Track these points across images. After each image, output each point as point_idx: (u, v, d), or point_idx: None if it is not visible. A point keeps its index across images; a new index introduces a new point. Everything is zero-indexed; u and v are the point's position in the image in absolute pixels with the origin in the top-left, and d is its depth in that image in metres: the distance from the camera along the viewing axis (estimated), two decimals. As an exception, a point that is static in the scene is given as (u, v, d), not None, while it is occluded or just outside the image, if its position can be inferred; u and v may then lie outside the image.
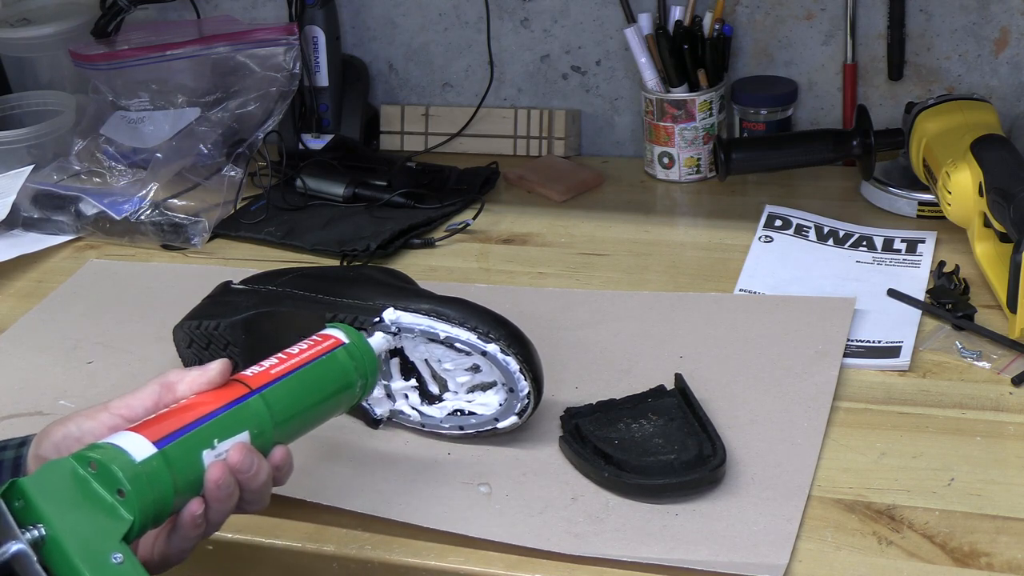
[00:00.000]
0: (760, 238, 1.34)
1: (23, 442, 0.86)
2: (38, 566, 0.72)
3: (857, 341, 1.15)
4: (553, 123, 1.60)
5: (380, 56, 1.68)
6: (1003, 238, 1.21)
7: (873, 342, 1.15)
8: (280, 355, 0.88)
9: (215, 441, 0.80)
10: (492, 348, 1.00)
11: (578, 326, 1.21)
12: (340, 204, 1.49)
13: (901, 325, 1.17)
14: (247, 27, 1.59)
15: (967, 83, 1.47)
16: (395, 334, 1.03)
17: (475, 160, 1.57)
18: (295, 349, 0.89)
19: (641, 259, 1.35)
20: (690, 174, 1.51)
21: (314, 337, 0.91)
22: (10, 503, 0.73)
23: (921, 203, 1.36)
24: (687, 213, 1.49)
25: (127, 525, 0.75)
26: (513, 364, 1.00)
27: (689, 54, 1.48)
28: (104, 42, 1.60)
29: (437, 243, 1.41)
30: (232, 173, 1.51)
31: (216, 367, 0.84)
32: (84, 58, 1.59)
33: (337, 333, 0.91)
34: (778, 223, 1.36)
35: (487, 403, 1.03)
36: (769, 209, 1.38)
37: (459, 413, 1.04)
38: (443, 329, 1.02)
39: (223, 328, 1.11)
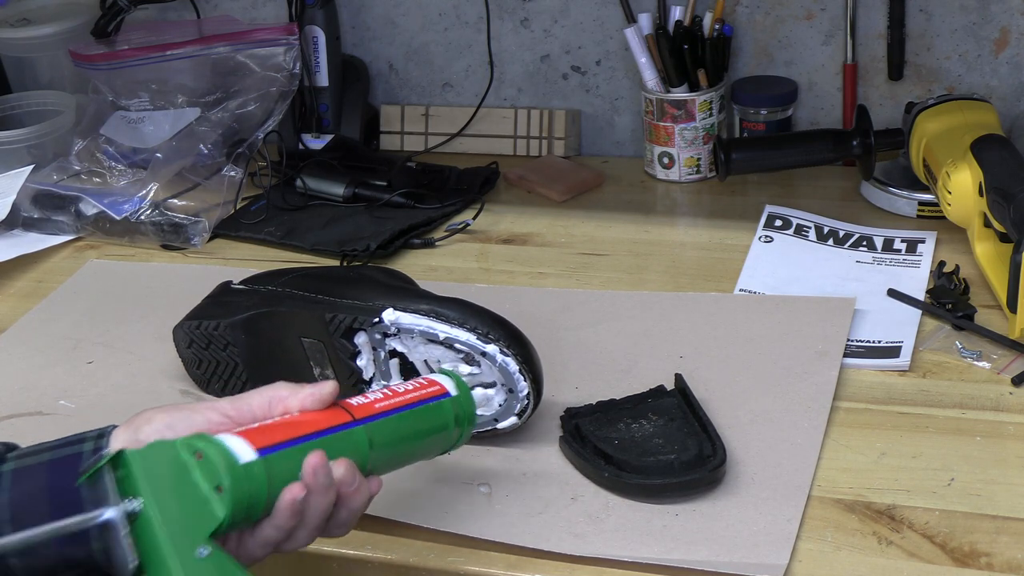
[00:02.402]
0: (760, 238, 1.34)
1: (101, 434, 0.81)
2: (125, 538, 0.73)
3: (857, 341, 1.15)
4: (553, 123, 1.60)
5: (380, 56, 1.68)
6: (1003, 238, 1.21)
7: (873, 342, 1.15)
8: (386, 390, 0.88)
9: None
10: (491, 349, 1.00)
11: (578, 326, 1.21)
12: (340, 204, 1.49)
13: (901, 325, 1.17)
14: (247, 27, 1.59)
15: (967, 83, 1.47)
16: (395, 334, 1.04)
17: (475, 160, 1.57)
18: (400, 387, 0.89)
19: (641, 259, 1.35)
20: (690, 174, 1.51)
21: (422, 379, 0.92)
22: (114, 471, 0.74)
23: (921, 203, 1.36)
24: (687, 213, 1.49)
25: (217, 522, 0.74)
26: (512, 365, 1.00)
27: (689, 54, 1.48)
28: (104, 42, 1.60)
29: (437, 243, 1.41)
30: (232, 173, 1.51)
31: (329, 388, 0.84)
32: (84, 58, 1.59)
33: (446, 382, 0.92)
34: (778, 223, 1.36)
35: (488, 401, 1.03)
36: (769, 209, 1.38)
37: None
38: (442, 330, 1.02)
39: (223, 328, 1.11)
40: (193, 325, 1.13)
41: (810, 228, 1.35)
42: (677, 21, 1.49)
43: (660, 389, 1.07)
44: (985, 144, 1.25)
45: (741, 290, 1.25)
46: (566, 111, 1.60)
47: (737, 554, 0.90)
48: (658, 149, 1.51)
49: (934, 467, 0.98)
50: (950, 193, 1.25)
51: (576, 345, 1.17)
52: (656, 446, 1.00)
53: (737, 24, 1.52)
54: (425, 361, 1.04)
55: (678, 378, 1.08)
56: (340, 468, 0.81)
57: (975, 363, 1.11)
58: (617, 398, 1.06)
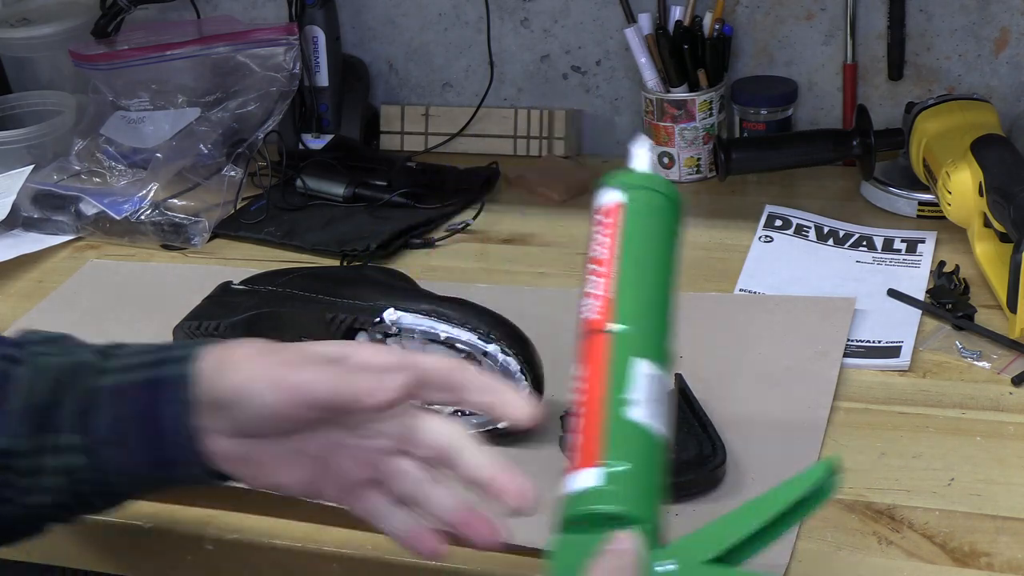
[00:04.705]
0: (760, 238, 1.34)
1: (183, 357, 0.76)
2: None
3: (857, 341, 1.15)
4: (553, 123, 1.60)
5: (380, 56, 1.68)
6: (1003, 238, 1.21)
7: (873, 342, 1.15)
8: (590, 272, 0.72)
9: (626, 399, 0.69)
10: (492, 348, 1.00)
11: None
12: (340, 204, 1.49)
13: (901, 325, 1.17)
14: (247, 27, 1.59)
15: (967, 83, 1.47)
16: (396, 335, 1.03)
17: (475, 160, 1.57)
18: (592, 259, 0.74)
19: (641, 259, 1.35)
20: (690, 174, 1.51)
21: (598, 211, 0.75)
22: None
23: (921, 203, 1.36)
24: (687, 213, 1.49)
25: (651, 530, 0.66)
26: (513, 364, 1.00)
27: (689, 54, 1.48)
28: (104, 42, 1.60)
29: (437, 243, 1.41)
30: (232, 173, 1.51)
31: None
32: (84, 58, 1.59)
33: (612, 197, 0.76)
34: (778, 223, 1.36)
35: None
36: (769, 209, 1.38)
37: (459, 413, 1.04)
38: (443, 330, 1.01)
39: (223, 329, 1.11)
40: (193, 325, 1.13)
41: (810, 228, 1.35)
42: (677, 21, 1.49)
43: (660, 389, 1.07)
44: (985, 144, 1.25)
45: (741, 290, 1.25)
46: (566, 111, 1.60)
47: (737, 554, 0.90)
48: (658, 149, 1.51)
49: (934, 467, 0.98)
50: (950, 193, 1.25)
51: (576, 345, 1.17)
52: (656, 446, 1.00)
53: (737, 24, 1.52)
54: None
55: (678, 378, 1.08)
56: None
57: (975, 363, 1.11)
58: (617, 398, 1.06)
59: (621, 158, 1.64)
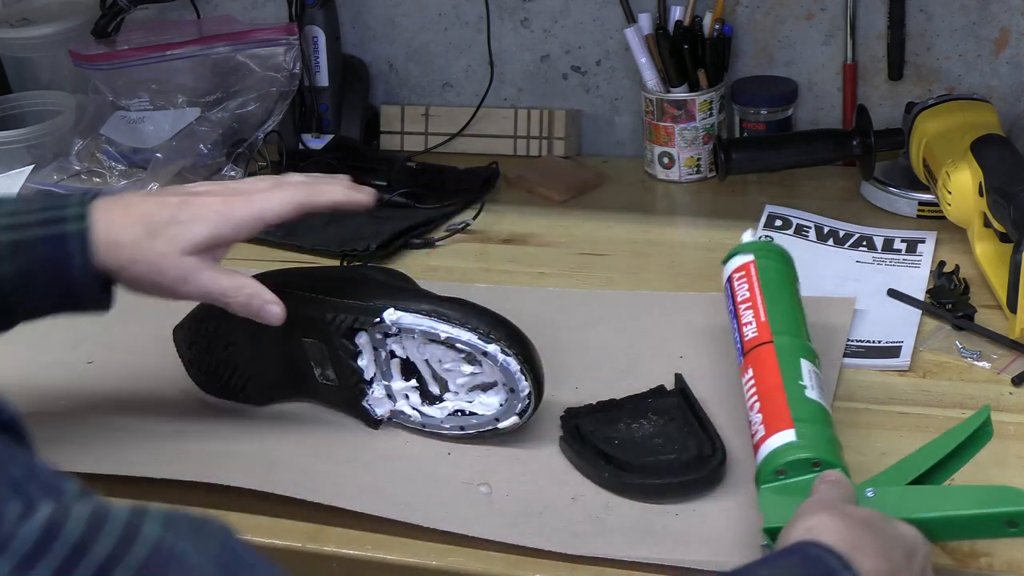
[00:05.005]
0: (760, 238, 1.34)
1: (81, 215, 0.93)
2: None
3: (857, 341, 1.15)
4: (553, 123, 1.60)
5: (380, 56, 1.68)
6: (1003, 238, 1.21)
7: (873, 342, 1.15)
8: (738, 315, 1.00)
9: (802, 385, 0.92)
10: (492, 348, 1.00)
11: (578, 326, 1.20)
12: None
13: (901, 325, 1.17)
14: (247, 27, 1.59)
15: (967, 83, 1.47)
16: (396, 335, 1.04)
17: (475, 160, 1.57)
18: (733, 312, 1.01)
19: (641, 259, 1.35)
20: (690, 174, 1.51)
21: (733, 284, 1.02)
22: None
23: (921, 203, 1.36)
24: (687, 213, 1.49)
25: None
26: (514, 364, 1.00)
27: (689, 54, 1.48)
28: (104, 42, 1.60)
29: (437, 243, 1.41)
30: (232, 173, 1.51)
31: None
32: (84, 58, 1.59)
33: (743, 258, 1.03)
34: (778, 223, 1.36)
35: (488, 403, 1.03)
36: (769, 209, 1.38)
37: (460, 413, 1.04)
38: (444, 330, 1.02)
39: (223, 329, 1.11)
40: (194, 326, 1.13)
41: (810, 228, 1.35)
42: (677, 21, 1.49)
43: (660, 389, 1.07)
44: (985, 144, 1.25)
45: (741, 290, 1.25)
46: (566, 111, 1.61)
47: (737, 554, 0.90)
48: (658, 149, 1.51)
49: (934, 467, 0.98)
50: (950, 193, 1.25)
51: (576, 345, 1.17)
52: (656, 446, 1.00)
53: (737, 24, 1.52)
54: (426, 361, 1.04)
55: (678, 378, 1.08)
56: None
57: (975, 363, 1.11)
58: (617, 398, 1.06)
59: (621, 158, 1.65)
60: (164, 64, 1.57)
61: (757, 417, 0.91)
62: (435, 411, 1.05)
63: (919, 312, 1.19)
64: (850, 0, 1.46)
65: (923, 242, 1.31)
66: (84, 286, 0.94)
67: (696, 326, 1.19)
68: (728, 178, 1.45)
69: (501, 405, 1.02)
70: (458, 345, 1.02)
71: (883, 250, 1.31)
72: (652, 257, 1.35)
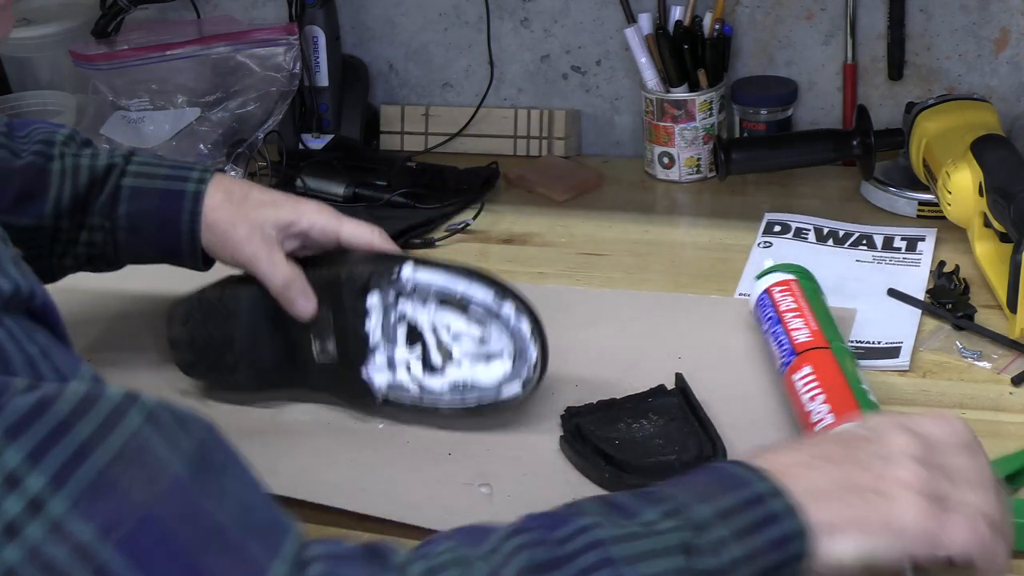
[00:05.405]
0: (759, 244, 1.34)
1: (202, 179, 1.09)
2: None
3: (857, 341, 1.15)
4: (553, 123, 1.60)
5: (380, 56, 1.68)
6: (1003, 238, 1.21)
7: (873, 342, 1.15)
8: (783, 321, 1.07)
9: (864, 389, 0.99)
10: (507, 309, 1.01)
11: (578, 326, 1.20)
12: (340, 204, 1.49)
13: (901, 325, 1.17)
14: (247, 27, 1.59)
15: (967, 83, 1.47)
16: (410, 293, 1.04)
17: (475, 160, 1.57)
18: (776, 318, 1.08)
19: (641, 259, 1.35)
20: (690, 174, 1.51)
21: (774, 295, 1.11)
22: None
23: (921, 203, 1.36)
24: (687, 213, 1.49)
25: None
26: (526, 327, 1.01)
27: (689, 54, 1.48)
28: (104, 42, 1.60)
29: (437, 243, 1.41)
30: (232, 173, 1.51)
31: None
32: (84, 58, 1.59)
33: (783, 275, 1.12)
34: (777, 228, 1.36)
35: (491, 374, 1.02)
36: (768, 217, 1.38)
37: (461, 386, 1.03)
38: (460, 286, 1.02)
39: (227, 296, 1.11)
40: (196, 297, 1.12)
41: (809, 230, 1.35)
42: (677, 21, 1.49)
43: (660, 389, 1.07)
44: (985, 144, 1.25)
45: (741, 295, 1.25)
46: (566, 111, 1.60)
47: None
48: (658, 149, 1.51)
49: (934, 467, 0.98)
50: (950, 193, 1.25)
51: (576, 345, 1.17)
52: (656, 446, 1.00)
53: (737, 24, 1.52)
54: (434, 328, 1.04)
55: (678, 378, 1.08)
56: None
57: (975, 363, 1.11)
58: (617, 398, 1.06)
59: (621, 158, 1.65)
60: (164, 64, 1.57)
61: (823, 408, 0.97)
62: (435, 382, 1.04)
63: (919, 312, 1.19)
64: (850, 0, 1.46)
65: (923, 240, 1.31)
66: (187, 242, 1.10)
67: (696, 326, 1.19)
68: (728, 178, 1.45)
69: (505, 374, 1.02)
70: (472, 305, 1.01)
71: (883, 248, 1.31)
72: (652, 257, 1.35)
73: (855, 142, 1.40)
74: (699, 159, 1.51)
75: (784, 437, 1.02)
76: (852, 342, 1.14)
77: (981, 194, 1.21)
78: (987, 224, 1.23)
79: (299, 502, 0.98)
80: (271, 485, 0.99)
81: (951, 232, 1.30)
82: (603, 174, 1.54)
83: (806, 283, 1.12)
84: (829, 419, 0.95)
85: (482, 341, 1.03)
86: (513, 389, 1.02)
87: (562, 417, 1.05)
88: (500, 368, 1.02)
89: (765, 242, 1.34)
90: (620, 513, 0.70)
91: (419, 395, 1.05)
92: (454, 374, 1.04)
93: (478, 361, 1.03)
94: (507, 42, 1.62)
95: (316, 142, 1.62)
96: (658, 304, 1.24)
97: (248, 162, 1.52)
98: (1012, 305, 1.12)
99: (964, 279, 1.22)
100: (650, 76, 1.50)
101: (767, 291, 1.12)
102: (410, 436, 1.07)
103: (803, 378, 1.01)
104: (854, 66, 1.49)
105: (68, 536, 0.56)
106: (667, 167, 1.52)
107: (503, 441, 1.05)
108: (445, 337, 1.04)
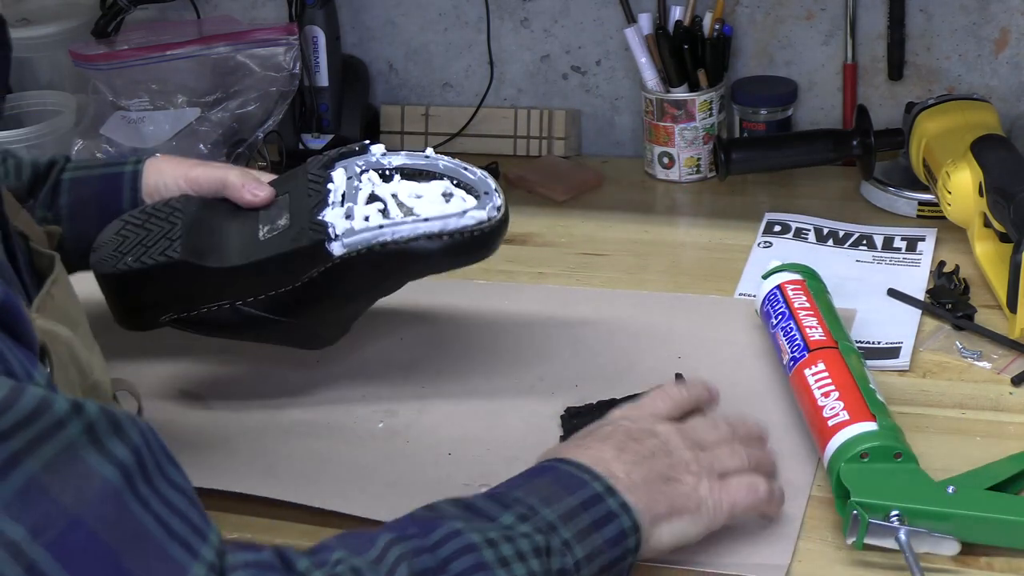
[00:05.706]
0: (760, 244, 1.34)
1: (138, 160, 1.12)
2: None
3: (857, 341, 1.14)
4: (553, 123, 1.60)
5: (380, 56, 1.68)
6: (1003, 238, 1.21)
7: (873, 342, 1.15)
8: (797, 318, 1.07)
9: (873, 388, 0.99)
10: (474, 170, 1.04)
11: (578, 325, 1.21)
12: (340, 204, 1.49)
13: (901, 325, 1.17)
14: (247, 27, 1.59)
15: (967, 83, 1.47)
16: (376, 167, 1.05)
17: (475, 160, 1.56)
18: (788, 314, 1.08)
19: (641, 259, 1.35)
20: (690, 174, 1.51)
21: (787, 292, 1.11)
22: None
23: (921, 203, 1.36)
24: (687, 213, 1.49)
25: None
26: (490, 181, 1.04)
27: (689, 54, 1.48)
28: (104, 42, 1.60)
29: (437, 243, 1.40)
30: (232, 173, 1.51)
31: None
32: (84, 58, 1.59)
33: (793, 275, 1.13)
34: (777, 228, 1.36)
35: (454, 206, 1.01)
36: (768, 216, 1.38)
37: (424, 218, 1.00)
38: (424, 161, 1.05)
39: (176, 199, 1.09)
40: (136, 210, 1.10)
41: (809, 231, 1.35)
42: (677, 21, 1.49)
43: (660, 389, 1.07)
44: (985, 144, 1.25)
45: (741, 295, 1.25)
46: (566, 111, 1.61)
47: (737, 554, 0.90)
48: (658, 149, 1.52)
49: (934, 467, 0.98)
50: (950, 193, 1.25)
51: (576, 344, 1.17)
52: (656, 446, 1.00)
53: (737, 24, 1.52)
54: (394, 195, 1.02)
55: (678, 378, 1.08)
56: None
57: (975, 363, 1.11)
58: (617, 398, 1.06)
59: (621, 158, 1.65)
60: (164, 64, 1.57)
61: (837, 404, 0.96)
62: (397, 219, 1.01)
63: (919, 312, 1.19)
64: (850, 0, 1.46)
65: (923, 240, 1.31)
66: None
67: (696, 326, 1.19)
68: (728, 178, 1.45)
69: (471, 205, 1.01)
70: (441, 164, 1.05)
71: (883, 248, 1.31)
72: (652, 257, 1.35)
73: (855, 142, 1.40)
74: (699, 159, 1.51)
75: (784, 436, 1.02)
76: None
77: (981, 194, 1.21)
78: (987, 224, 1.23)
79: (299, 504, 0.98)
80: (270, 489, 1.00)
81: (951, 232, 1.30)
82: (603, 174, 1.54)
83: (813, 283, 1.12)
84: (844, 416, 0.95)
85: (445, 196, 1.02)
86: (478, 215, 1.00)
87: (562, 417, 1.05)
88: (464, 203, 1.02)
89: (765, 242, 1.34)
90: (480, 517, 0.78)
91: (378, 231, 0.99)
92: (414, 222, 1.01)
93: (441, 205, 1.02)
94: (507, 42, 1.62)
95: (316, 142, 1.62)
96: (658, 304, 1.24)
97: (248, 162, 1.52)
98: (1012, 305, 1.12)
99: (964, 279, 1.22)
100: (650, 76, 1.50)
101: (779, 288, 1.11)
102: (410, 436, 1.07)
103: (816, 374, 1.01)
104: (854, 66, 1.50)
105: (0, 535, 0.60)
106: (667, 167, 1.52)
107: (503, 441, 1.05)
108: (407, 200, 1.02)
